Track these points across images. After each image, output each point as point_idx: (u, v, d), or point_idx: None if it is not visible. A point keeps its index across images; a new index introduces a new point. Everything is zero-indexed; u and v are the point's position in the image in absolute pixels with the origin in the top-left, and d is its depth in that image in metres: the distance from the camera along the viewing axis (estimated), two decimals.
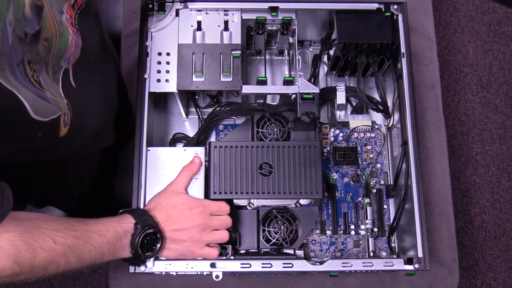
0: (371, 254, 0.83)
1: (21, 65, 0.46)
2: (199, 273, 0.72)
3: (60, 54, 0.54)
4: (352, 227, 0.85)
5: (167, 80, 0.78)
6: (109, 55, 0.81)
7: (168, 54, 0.78)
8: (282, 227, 0.78)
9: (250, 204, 0.81)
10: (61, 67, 0.57)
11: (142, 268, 0.70)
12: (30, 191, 0.77)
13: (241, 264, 0.72)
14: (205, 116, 0.88)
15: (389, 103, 0.87)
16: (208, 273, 0.72)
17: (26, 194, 0.78)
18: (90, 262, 0.60)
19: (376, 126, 0.90)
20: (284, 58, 0.95)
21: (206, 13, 0.80)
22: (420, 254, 0.73)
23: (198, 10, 0.80)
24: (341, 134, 0.89)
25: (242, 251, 0.78)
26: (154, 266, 0.71)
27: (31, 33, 0.47)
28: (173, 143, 0.88)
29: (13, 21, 0.43)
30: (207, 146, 0.77)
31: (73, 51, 0.57)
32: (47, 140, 0.55)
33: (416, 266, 0.72)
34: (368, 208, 0.85)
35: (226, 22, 0.80)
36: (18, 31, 0.45)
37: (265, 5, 0.80)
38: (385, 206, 0.86)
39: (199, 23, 0.80)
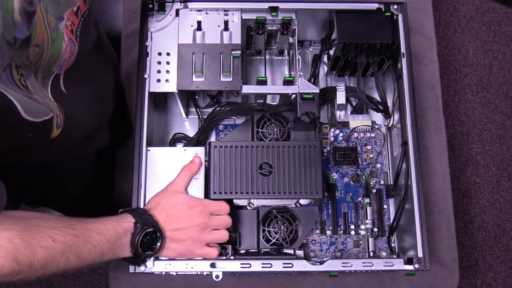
0: (371, 254, 0.83)
1: (7, 69, 0.46)
2: (199, 273, 0.72)
3: (52, 60, 0.54)
4: (352, 227, 0.85)
5: (167, 80, 0.78)
6: (107, 57, 0.81)
7: (168, 54, 0.78)
8: (282, 227, 0.78)
9: (250, 204, 0.81)
10: (52, 73, 0.56)
11: (142, 268, 0.70)
12: (22, 191, 0.77)
13: (241, 264, 0.72)
14: (205, 116, 0.88)
15: (389, 103, 0.87)
16: (208, 273, 0.72)
17: (18, 194, 0.77)
18: (90, 261, 0.60)
19: (376, 126, 0.90)
20: (284, 58, 0.95)
21: (206, 13, 0.80)
22: (420, 254, 0.73)
23: (198, 10, 0.80)
24: (341, 134, 0.89)
25: (242, 251, 0.78)
26: (154, 266, 0.71)
27: (21, 38, 0.47)
28: (173, 143, 0.88)
29: (1, 26, 0.43)
30: (207, 146, 0.77)
31: (67, 58, 0.57)
32: (38, 140, 0.55)
33: (416, 266, 0.72)
34: (368, 208, 0.85)
35: (226, 22, 0.80)
36: (7, 35, 0.45)
37: (265, 5, 0.80)
38: (385, 206, 0.86)
39: (199, 23, 0.80)
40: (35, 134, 0.53)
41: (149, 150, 0.76)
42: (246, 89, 0.78)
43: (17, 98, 0.47)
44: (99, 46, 0.73)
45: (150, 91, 0.77)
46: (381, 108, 0.88)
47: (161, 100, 0.88)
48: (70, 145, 0.65)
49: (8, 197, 0.53)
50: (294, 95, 0.77)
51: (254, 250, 0.78)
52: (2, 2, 0.43)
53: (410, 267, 0.73)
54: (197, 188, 0.75)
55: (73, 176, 0.85)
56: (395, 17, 0.82)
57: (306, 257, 0.82)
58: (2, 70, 0.45)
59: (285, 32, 0.85)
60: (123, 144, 0.90)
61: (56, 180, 0.81)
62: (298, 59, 0.80)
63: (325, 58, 0.93)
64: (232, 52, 0.78)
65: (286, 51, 0.94)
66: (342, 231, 0.85)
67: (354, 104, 0.92)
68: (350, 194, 0.87)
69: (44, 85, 0.55)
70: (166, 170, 0.75)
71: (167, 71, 0.78)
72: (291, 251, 0.78)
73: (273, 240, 0.78)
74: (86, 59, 0.65)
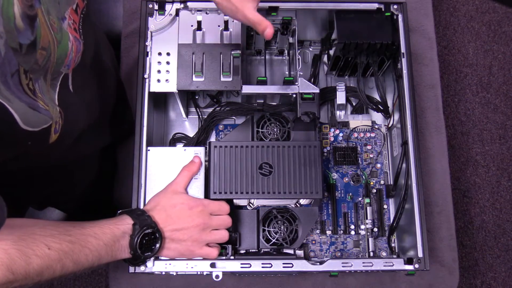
0: (371, 254, 0.83)
1: (15, 75, 0.46)
2: (199, 273, 0.72)
3: (60, 61, 0.54)
4: (352, 227, 0.85)
5: (167, 80, 0.78)
6: (107, 56, 0.81)
7: (168, 54, 0.78)
8: (282, 227, 0.78)
9: (250, 204, 0.81)
10: (61, 73, 0.57)
11: (142, 268, 0.70)
12: (29, 195, 0.76)
13: (241, 264, 0.72)
14: (205, 116, 0.88)
15: (389, 103, 0.87)
16: (208, 273, 0.72)
17: (26, 198, 0.77)
18: (88, 265, 0.60)
19: (376, 126, 0.90)
20: (284, 58, 0.95)
21: (206, 13, 0.80)
22: (420, 254, 0.73)
23: (198, 10, 0.80)
24: (341, 134, 0.89)
25: (242, 251, 0.78)
26: (154, 266, 0.71)
27: (26, 43, 0.47)
28: (173, 143, 0.88)
29: (4, 33, 0.43)
30: (207, 146, 0.77)
31: (74, 56, 0.57)
32: (37, 147, 0.55)
33: (416, 266, 0.72)
34: (368, 208, 0.85)
35: (226, 22, 0.80)
36: (11, 42, 0.45)
37: (265, 5, 0.80)
38: (385, 206, 0.86)
39: (199, 23, 0.80)
40: (34, 142, 0.53)
41: (149, 150, 0.76)
42: (246, 89, 0.78)
43: (19, 111, 0.47)
44: (99, 45, 0.73)
45: (150, 91, 0.77)
46: (381, 108, 0.88)
47: (161, 100, 0.88)
48: (68, 147, 0.65)
49: (16, 202, 0.53)
50: (294, 95, 0.77)
51: (254, 250, 0.78)
52: (2, 10, 0.43)
53: (410, 267, 0.73)
54: (197, 188, 0.75)
55: (76, 177, 0.85)
56: (395, 17, 0.82)
57: (306, 257, 0.82)
58: (9, 77, 0.45)
59: (285, 32, 0.85)
60: (124, 142, 0.90)
61: (62, 180, 0.81)
62: (298, 59, 0.80)
63: (325, 58, 0.93)
64: (232, 52, 0.78)
65: (286, 51, 0.94)
66: (342, 231, 0.85)
67: (354, 104, 0.92)
68: (350, 194, 0.87)
69: (52, 86, 0.55)
70: (166, 170, 0.75)
71: (167, 71, 0.78)
72: (291, 251, 0.78)
73: (273, 240, 0.78)
74: (89, 56, 0.65)
